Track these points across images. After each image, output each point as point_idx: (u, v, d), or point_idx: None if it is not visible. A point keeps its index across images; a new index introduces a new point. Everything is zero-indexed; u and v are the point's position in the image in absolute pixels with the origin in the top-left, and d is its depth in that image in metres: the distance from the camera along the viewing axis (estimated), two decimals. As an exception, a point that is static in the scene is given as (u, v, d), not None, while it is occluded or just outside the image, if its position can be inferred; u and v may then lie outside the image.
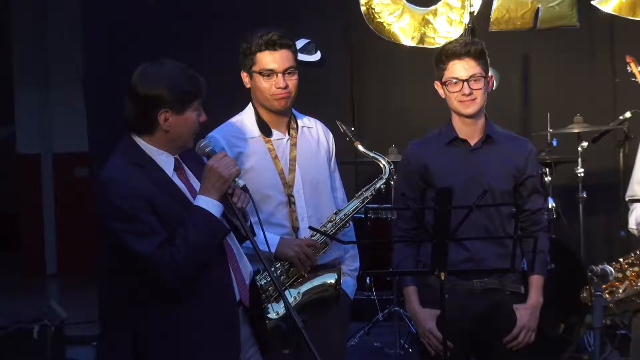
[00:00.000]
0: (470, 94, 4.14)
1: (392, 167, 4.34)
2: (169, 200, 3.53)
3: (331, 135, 4.42)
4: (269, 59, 4.14)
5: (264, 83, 4.16)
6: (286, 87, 4.15)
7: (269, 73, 4.14)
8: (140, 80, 3.55)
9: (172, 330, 3.54)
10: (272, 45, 4.13)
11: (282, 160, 4.23)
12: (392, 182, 4.36)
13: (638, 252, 4.44)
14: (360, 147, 4.39)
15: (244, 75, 4.22)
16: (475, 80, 4.14)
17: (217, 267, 3.59)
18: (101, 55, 7.47)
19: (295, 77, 4.18)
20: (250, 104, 4.28)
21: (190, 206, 3.54)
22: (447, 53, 4.18)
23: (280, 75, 4.14)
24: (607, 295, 4.38)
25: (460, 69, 4.15)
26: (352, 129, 4.50)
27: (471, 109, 4.18)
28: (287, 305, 3.60)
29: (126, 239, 3.47)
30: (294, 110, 4.31)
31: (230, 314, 3.61)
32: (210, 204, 3.52)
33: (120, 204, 3.46)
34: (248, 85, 4.23)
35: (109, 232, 3.52)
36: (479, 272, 4.16)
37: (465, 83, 4.14)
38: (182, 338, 3.54)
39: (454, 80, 4.15)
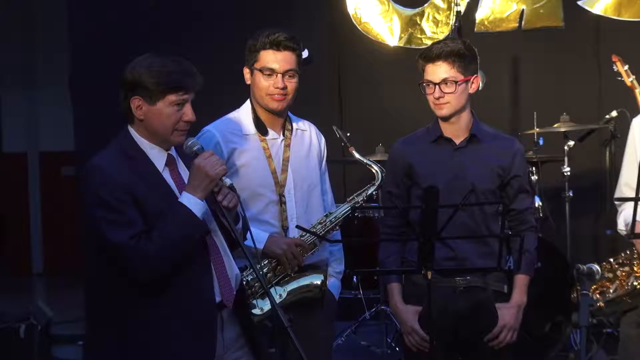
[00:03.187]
0: (442, 97, 4.16)
1: (384, 173, 4.36)
2: (154, 194, 3.54)
3: (323, 139, 4.44)
4: (271, 58, 4.15)
5: (263, 81, 4.17)
6: (284, 88, 4.15)
7: (269, 72, 4.16)
8: (128, 67, 3.60)
9: (145, 326, 3.52)
10: (276, 45, 4.14)
11: (276, 159, 4.24)
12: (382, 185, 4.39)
13: (628, 252, 4.45)
14: (355, 154, 4.44)
15: (246, 71, 4.23)
16: (447, 84, 4.15)
17: (197, 266, 3.58)
18: (87, 54, 7.46)
19: (294, 80, 4.18)
20: (248, 101, 4.29)
21: (175, 202, 3.54)
22: (422, 56, 4.22)
23: (279, 75, 4.14)
24: (598, 296, 4.38)
25: (432, 72, 4.17)
26: (348, 134, 4.51)
27: (444, 112, 4.19)
28: (273, 303, 3.58)
29: (102, 227, 3.49)
30: (290, 114, 4.32)
31: (206, 314, 3.58)
32: (192, 202, 3.52)
33: (101, 191, 3.49)
34: (248, 82, 4.24)
35: (89, 218, 3.55)
36: (465, 270, 4.15)
37: (437, 87, 4.16)
38: (158, 334, 3.52)
39: (428, 84, 4.18)
